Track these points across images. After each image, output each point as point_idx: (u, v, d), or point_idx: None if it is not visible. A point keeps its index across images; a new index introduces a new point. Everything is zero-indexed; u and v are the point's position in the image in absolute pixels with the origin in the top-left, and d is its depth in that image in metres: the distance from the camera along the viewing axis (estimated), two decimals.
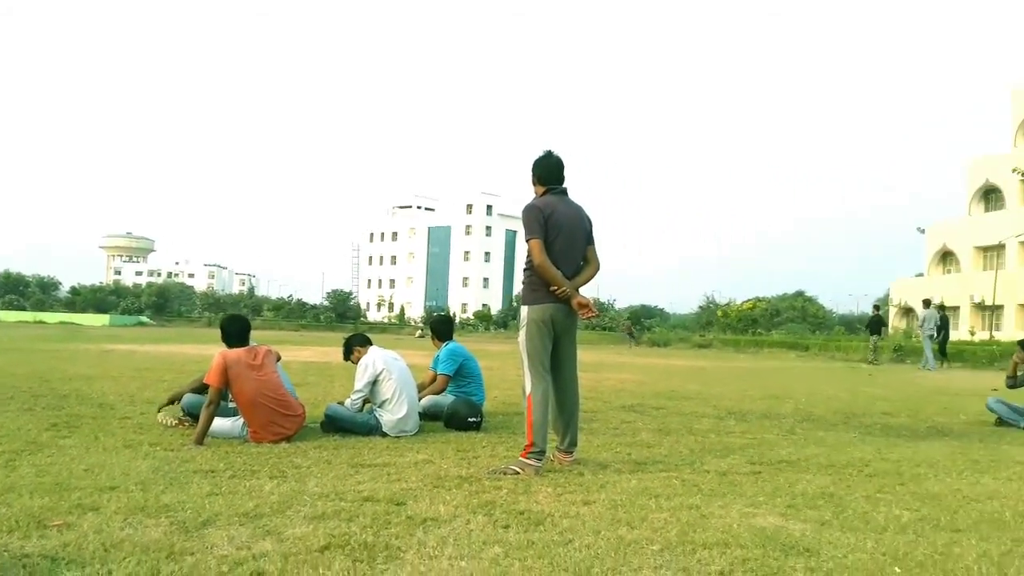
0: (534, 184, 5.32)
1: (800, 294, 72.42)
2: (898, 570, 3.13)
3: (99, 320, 58.34)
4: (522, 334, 5.16)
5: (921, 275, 54.55)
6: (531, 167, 5.32)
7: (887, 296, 57.74)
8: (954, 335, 40.23)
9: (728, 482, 4.80)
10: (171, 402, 6.57)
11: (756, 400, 10.56)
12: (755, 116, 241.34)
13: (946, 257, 52.56)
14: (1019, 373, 8.64)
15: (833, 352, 31.96)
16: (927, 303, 23.43)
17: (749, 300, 62.32)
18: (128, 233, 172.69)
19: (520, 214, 5.22)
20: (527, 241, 5.10)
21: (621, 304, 67.03)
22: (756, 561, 3.17)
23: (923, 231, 54.13)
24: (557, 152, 5.36)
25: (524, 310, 5.18)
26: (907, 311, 51.39)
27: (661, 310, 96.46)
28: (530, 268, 5.16)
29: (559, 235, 5.11)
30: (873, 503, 4.35)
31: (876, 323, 27.29)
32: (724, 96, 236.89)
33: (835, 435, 7.28)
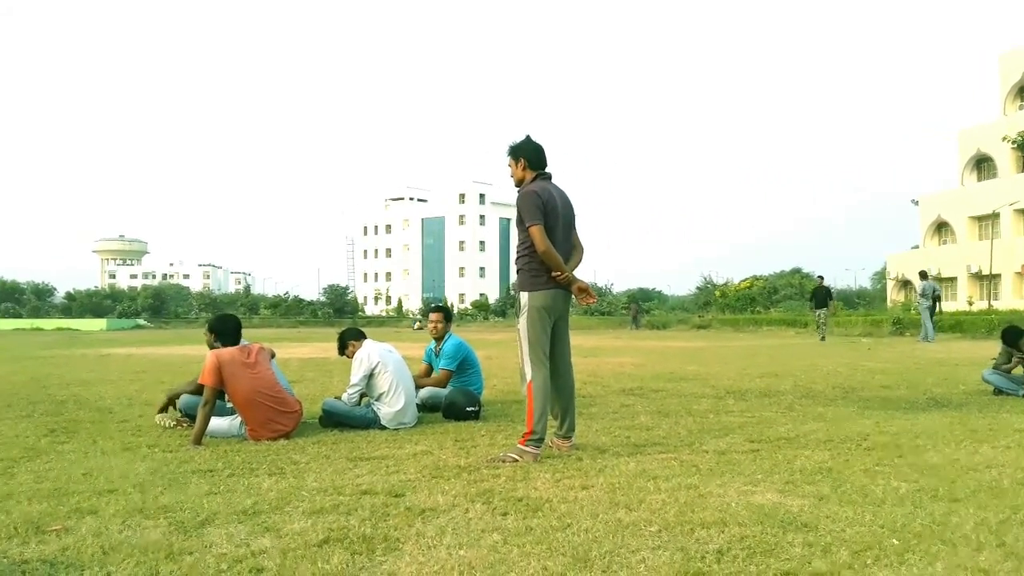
0: (521, 169, 5.26)
1: (797, 271, 72.37)
2: (895, 541, 3.14)
3: (96, 325, 58.23)
4: (523, 321, 5.11)
5: (917, 247, 54.58)
6: (515, 151, 5.27)
7: (884, 269, 57.81)
8: (952, 305, 40.51)
9: (727, 461, 4.81)
10: (169, 402, 6.57)
11: (755, 378, 10.58)
12: (744, 91, 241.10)
13: (941, 228, 52.58)
14: (1014, 371, 8.53)
15: (832, 328, 32.00)
16: (924, 275, 23.42)
17: (746, 279, 62.39)
18: (121, 236, 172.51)
19: (515, 202, 5.17)
20: (528, 227, 5.05)
21: (619, 288, 66.95)
22: (754, 538, 3.18)
23: (917, 203, 54.13)
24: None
25: (524, 296, 5.15)
26: (904, 284, 51.47)
27: (659, 292, 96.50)
28: (528, 254, 5.13)
29: (556, 221, 5.13)
30: (871, 476, 4.36)
31: (821, 295, 25.01)
32: (712, 72, 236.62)
33: (834, 410, 7.29)
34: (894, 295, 52.37)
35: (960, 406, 7.59)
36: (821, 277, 27.51)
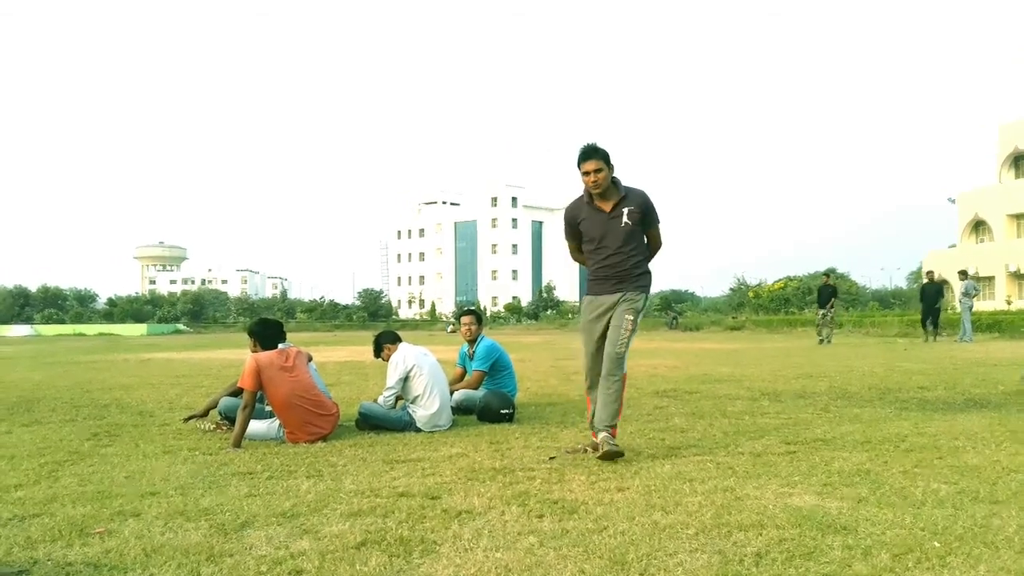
0: (611, 170, 5.18)
1: (832, 271, 71.52)
2: (937, 544, 3.10)
3: (137, 330, 59.13)
4: (636, 320, 5.25)
5: (954, 246, 53.70)
6: (607, 155, 5.15)
7: (920, 269, 56.94)
8: (990, 305, 39.81)
9: (763, 463, 4.78)
10: (206, 411, 6.66)
11: (790, 380, 10.48)
12: (780, 93, 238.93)
13: (979, 226, 51.69)
14: None
15: (868, 328, 31.63)
16: (964, 274, 23.08)
17: (780, 280, 61.73)
18: (160, 243, 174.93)
19: (639, 202, 5.21)
20: (656, 227, 5.35)
21: (651, 289, 66.55)
22: (793, 541, 3.16)
23: (954, 201, 53.25)
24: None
25: (642, 297, 5.29)
26: (942, 283, 50.64)
27: (692, 294, 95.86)
28: (647, 256, 5.37)
29: None
30: (911, 478, 4.31)
31: (826, 294, 22.85)
32: (745, 75, 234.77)
33: (870, 411, 7.21)
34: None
35: (999, 407, 7.47)
36: (827, 274, 25.88)
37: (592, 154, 5.11)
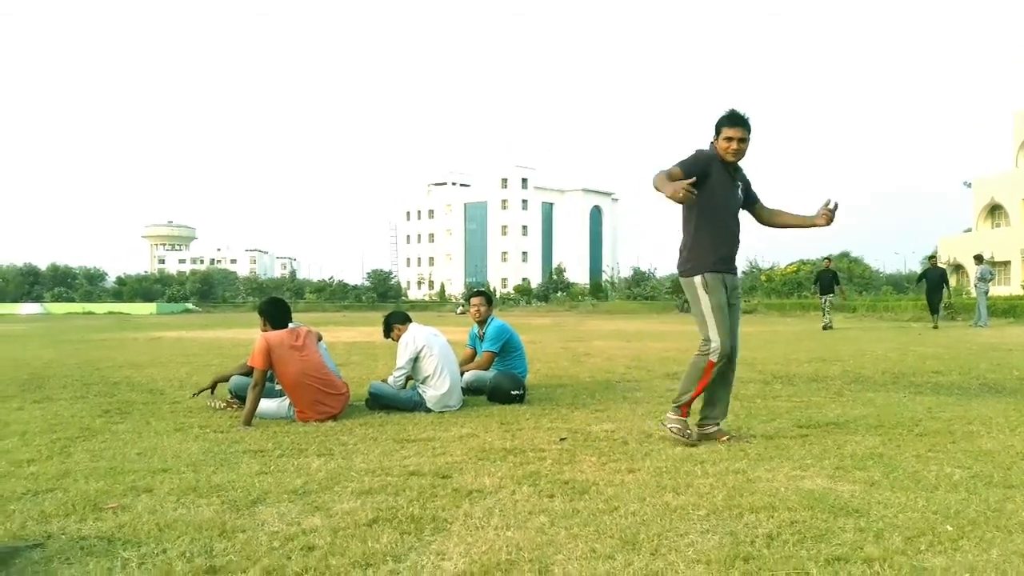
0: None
1: (845, 255, 71.10)
2: (950, 528, 3.09)
3: (146, 309, 59.32)
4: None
5: (969, 230, 53.31)
6: (751, 127, 4.91)
7: (935, 253, 56.68)
8: (1006, 290, 39.57)
9: (775, 446, 4.76)
10: (213, 385, 6.68)
11: (802, 363, 10.44)
12: (791, 73, 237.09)
13: (995, 211, 51.27)
14: None
15: (881, 312, 31.51)
16: (979, 259, 22.88)
17: (793, 263, 61.43)
18: (169, 222, 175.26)
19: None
20: (760, 201, 5.17)
21: (662, 273, 66.32)
22: (804, 523, 3.15)
23: (970, 185, 52.81)
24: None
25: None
26: (956, 268, 50.37)
27: None
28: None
29: None
30: (924, 462, 4.29)
31: (827, 280, 22.08)
32: (755, 53, 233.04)
33: (884, 395, 7.17)
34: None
35: (1014, 392, 7.42)
36: (827, 259, 25.04)
37: (742, 121, 4.84)
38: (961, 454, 4.50)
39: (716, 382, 4.99)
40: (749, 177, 5.11)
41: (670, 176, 4.61)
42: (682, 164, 4.72)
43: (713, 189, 4.82)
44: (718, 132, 4.87)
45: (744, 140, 4.83)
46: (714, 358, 4.88)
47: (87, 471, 4.16)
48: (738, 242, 5.04)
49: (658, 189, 4.54)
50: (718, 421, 5.10)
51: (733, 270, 5.00)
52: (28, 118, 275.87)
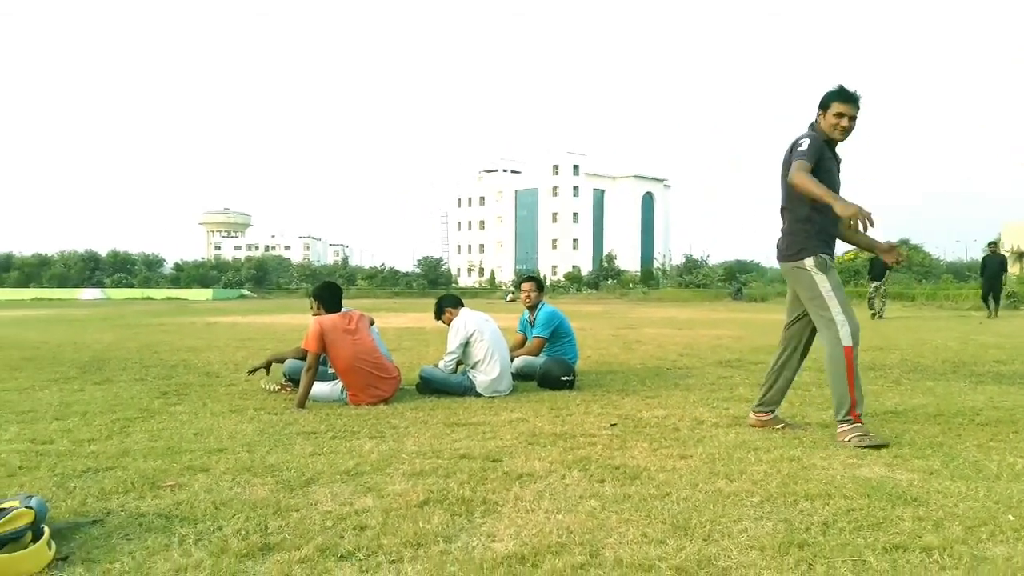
0: None
1: (904, 242, 69.49)
2: (1012, 518, 3.00)
3: (203, 295, 60.51)
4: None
5: None
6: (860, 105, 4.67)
7: (998, 240, 55.15)
8: None
9: (830, 434, 4.67)
10: (268, 364, 6.76)
11: (860, 352, 10.16)
12: (855, 59, 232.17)
13: None
14: None
15: (941, 301, 30.80)
16: None
17: (850, 251, 60.22)
18: (226, 209, 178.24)
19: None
20: None
21: (715, 260, 65.68)
22: (861, 511, 3.09)
23: None
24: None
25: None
26: (1020, 255, 48.94)
27: (758, 264, 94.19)
28: None
29: None
30: (985, 451, 4.18)
31: (880, 266, 21.03)
32: (815, 42, 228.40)
33: (944, 384, 7.00)
34: (1010, 267, 49.85)
35: None
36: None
37: (854, 97, 4.59)
38: None
39: (787, 366, 4.89)
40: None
41: (806, 170, 4.44)
42: (809, 156, 4.51)
43: (827, 171, 4.59)
44: (826, 107, 4.61)
45: (854, 118, 4.60)
46: (848, 341, 4.62)
47: (145, 451, 4.25)
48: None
49: (807, 190, 4.38)
50: (774, 408, 5.00)
51: (832, 252, 4.80)
52: (90, 108, 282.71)
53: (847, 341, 4.62)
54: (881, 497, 3.27)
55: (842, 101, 4.56)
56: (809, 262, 4.66)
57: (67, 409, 5.67)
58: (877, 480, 3.56)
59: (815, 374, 7.74)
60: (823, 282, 4.65)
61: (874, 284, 21.51)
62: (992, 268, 20.84)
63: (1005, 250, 50.84)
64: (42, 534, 2.62)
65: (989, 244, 22.06)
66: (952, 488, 3.43)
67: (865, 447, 4.27)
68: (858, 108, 4.60)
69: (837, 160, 4.74)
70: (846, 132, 4.60)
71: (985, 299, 20.91)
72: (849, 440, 4.39)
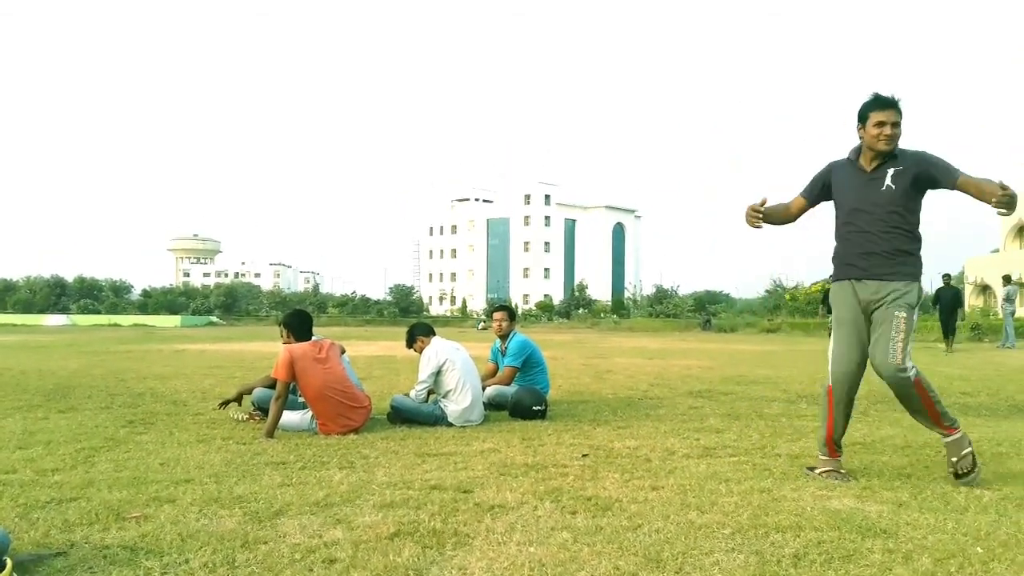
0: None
1: None
2: (980, 550, 3.03)
3: (171, 321, 59.70)
4: (913, 317, 4.41)
5: (997, 251, 52.71)
6: (902, 111, 4.37)
7: (962, 274, 56.07)
8: None
9: (800, 465, 4.70)
10: (239, 397, 6.70)
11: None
12: (816, 87, 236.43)
13: (1023, 231, 50.70)
14: None
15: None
16: (1007, 279, 22.66)
17: (818, 282, 60.87)
18: (195, 235, 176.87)
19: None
20: (956, 176, 4.21)
21: (685, 291, 66.10)
22: (832, 543, 3.10)
23: None
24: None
25: (913, 289, 4.39)
26: (983, 288, 49.78)
27: (727, 295, 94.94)
28: (918, 236, 4.44)
29: None
30: (953, 483, 4.22)
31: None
32: (781, 68, 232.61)
33: (911, 416, 7.05)
34: (972, 300, 50.67)
35: None
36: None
37: (892, 103, 4.28)
38: (991, 476, 4.42)
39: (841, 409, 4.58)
40: (928, 158, 4.33)
41: (783, 208, 4.70)
42: (804, 190, 4.65)
43: (839, 193, 4.47)
44: (864, 119, 4.33)
45: (897, 124, 4.26)
46: (830, 382, 4.57)
47: (111, 481, 4.17)
48: (883, 240, 4.32)
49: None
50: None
51: (873, 274, 4.35)
52: (56, 131, 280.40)
53: (829, 381, 4.76)
54: (851, 529, 3.29)
55: (880, 109, 4.28)
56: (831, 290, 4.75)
57: (31, 438, 5.57)
58: (847, 512, 3.58)
59: (785, 405, 7.82)
60: (833, 312, 4.74)
61: (830, 317, 21.44)
62: (946, 301, 20.97)
63: (968, 283, 51.86)
64: (4, 567, 2.56)
65: (944, 276, 22.23)
66: (921, 520, 3.46)
67: (832, 483, 4.27)
68: (900, 113, 4.29)
69: (885, 170, 4.34)
70: (891, 140, 4.27)
71: (945, 332, 21.03)
72: (817, 471, 4.44)
